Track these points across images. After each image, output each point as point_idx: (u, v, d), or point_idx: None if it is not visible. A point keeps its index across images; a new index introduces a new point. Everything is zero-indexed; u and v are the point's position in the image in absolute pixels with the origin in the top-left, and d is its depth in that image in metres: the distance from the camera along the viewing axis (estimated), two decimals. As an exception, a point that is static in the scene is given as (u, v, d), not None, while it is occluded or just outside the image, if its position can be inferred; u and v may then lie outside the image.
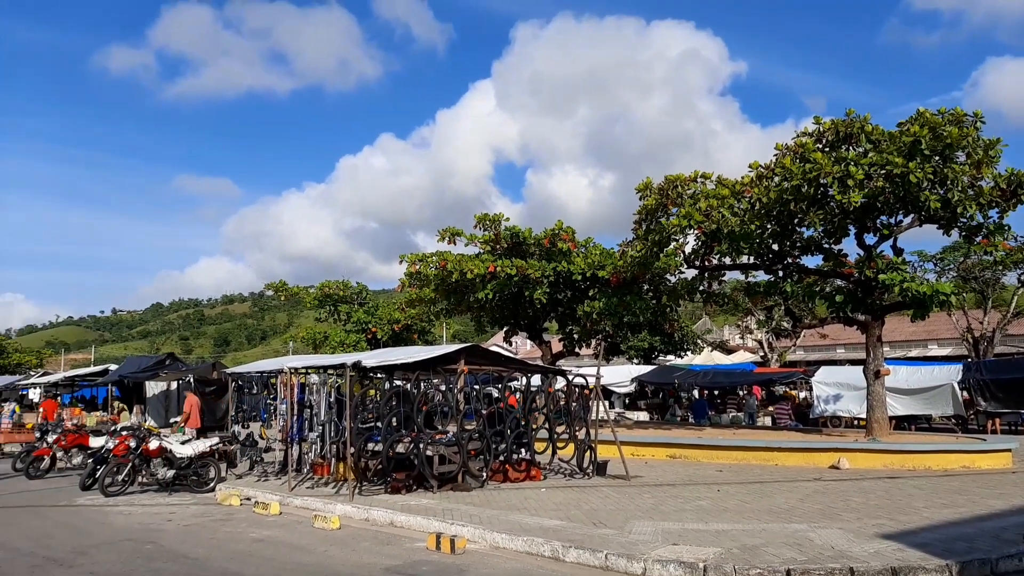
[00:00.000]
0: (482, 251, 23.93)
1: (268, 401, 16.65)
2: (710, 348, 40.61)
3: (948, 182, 14.97)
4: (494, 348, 16.07)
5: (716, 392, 31.68)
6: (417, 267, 23.65)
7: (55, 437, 16.65)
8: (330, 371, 14.31)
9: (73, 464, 16.51)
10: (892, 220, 16.98)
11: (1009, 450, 15.58)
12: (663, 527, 9.16)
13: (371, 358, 13.80)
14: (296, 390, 14.29)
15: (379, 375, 14.86)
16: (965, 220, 15.97)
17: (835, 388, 25.09)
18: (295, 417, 14.11)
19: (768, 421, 26.02)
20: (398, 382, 14.64)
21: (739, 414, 27.14)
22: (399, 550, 8.75)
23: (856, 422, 23.54)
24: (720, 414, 27.48)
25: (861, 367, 18.54)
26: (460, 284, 23.22)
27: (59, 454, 16.39)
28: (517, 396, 15.52)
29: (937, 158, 14.98)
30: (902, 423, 23.77)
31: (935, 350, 44.01)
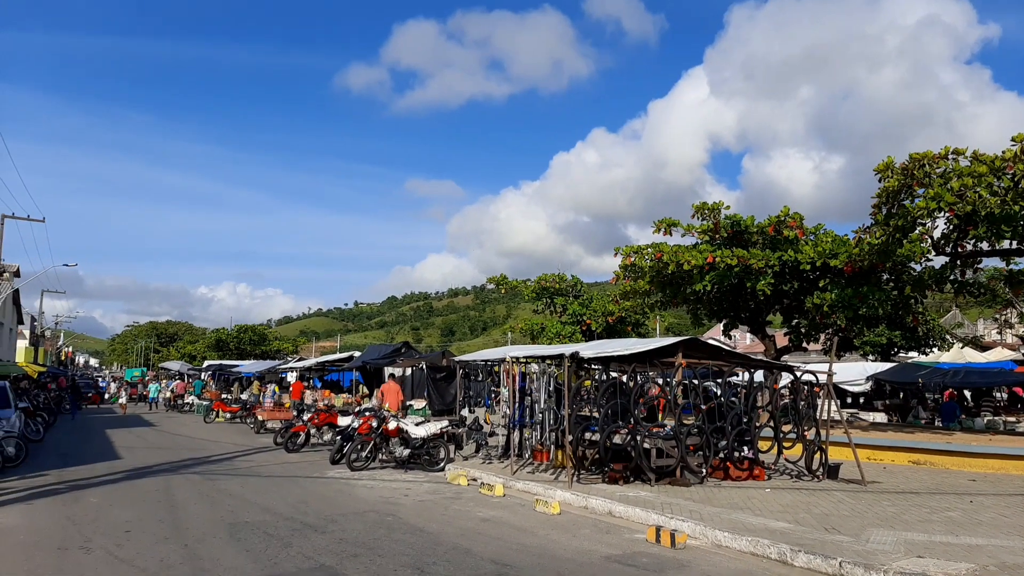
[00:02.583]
0: (700, 241, 23.27)
1: (491, 388, 17.48)
2: (961, 344, 36.39)
3: None
4: (712, 342, 15.59)
5: (968, 393, 28.34)
6: (632, 259, 23.53)
7: (309, 416, 18.73)
8: (549, 361, 14.70)
9: (324, 440, 18.49)
10: None
11: None
12: (905, 537, 8.40)
13: (588, 349, 14.00)
14: (517, 378, 14.85)
15: (595, 366, 15.03)
16: None
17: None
18: (516, 404, 14.69)
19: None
20: (614, 374, 14.72)
21: (996, 418, 24.09)
22: (618, 539, 8.82)
23: None
24: (973, 418, 24.56)
25: None
26: (676, 276, 22.75)
27: (312, 431, 18.40)
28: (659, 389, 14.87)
29: None
30: None
31: None
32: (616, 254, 24.14)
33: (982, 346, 39.12)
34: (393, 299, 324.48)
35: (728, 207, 22.60)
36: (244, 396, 31.78)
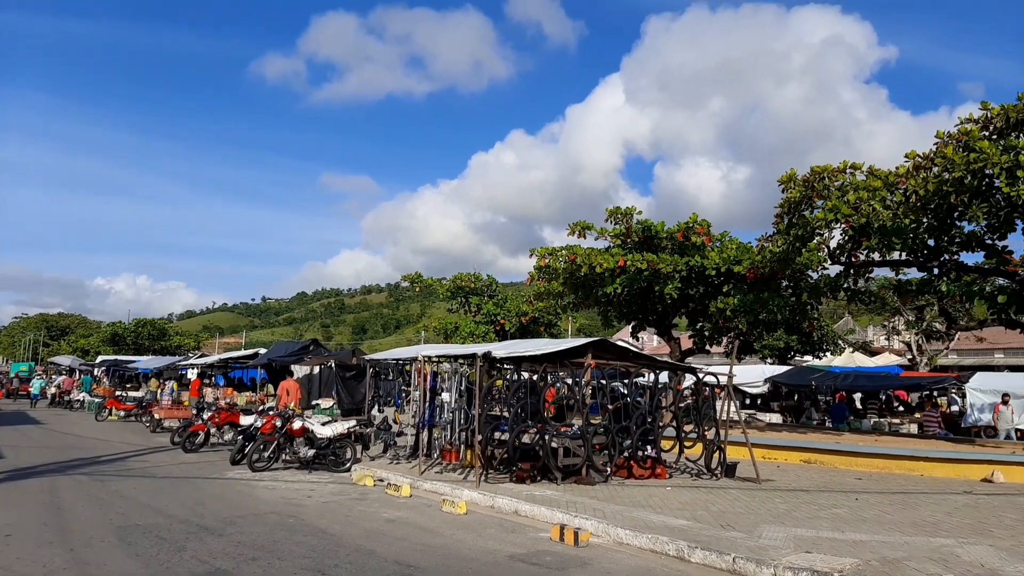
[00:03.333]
0: (612, 245, 23.74)
1: (402, 387, 17.31)
2: (852, 349, 38.42)
3: None
4: (621, 343, 15.92)
5: (858, 396, 29.95)
6: (546, 260, 23.80)
7: (209, 414, 18.07)
8: (461, 360, 14.68)
9: (225, 440, 17.88)
10: (1066, 214, 15.42)
11: None
12: (795, 533, 8.80)
13: (501, 349, 14.05)
14: (429, 378, 14.77)
15: (507, 366, 15.10)
16: None
17: (992, 396, 23.10)
18: (427, 404, 14.60)
19: (914, 429, 24.34)
20: (525, 374, 14.83)
21: (882, 420, 25.57)
22: (523, 538, 8.88)
23: (1016, 433, 21.64)
24: (861, 419, 25.97)
25: (1023, 374, 16.98)
26: (589, 278, 23.15)
27: (212, 430, 17.77)
28: (557, 388, 15.24)
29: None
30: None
31: (1115, 359, 39.61)
32: (531, 255, 24.37)
33: (871, 351, 41.40)
34: (303, 295, 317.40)
35: (640, 212, 23.16)
36: (140, 393, 30.40)
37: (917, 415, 25.71)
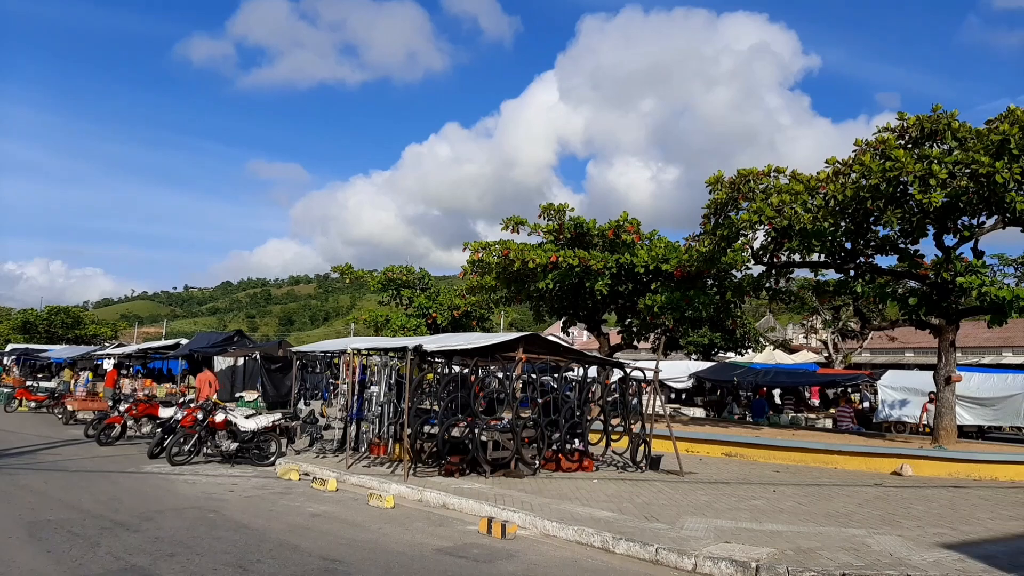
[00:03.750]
0: (545, 241, 23.95)
1: (330, 380, 17.04)
2: (772, 347, 39.73)
3: (1035, 183, 14.29)
4: (552, 338, 16.06)
5: (776, 391, 31.01)
6: (480, 255, 23.83)
7: (126, 406, 17.41)
8: (391, 353, 14.56)
9: (142, 433, 17.26)
10: (974, 221, 16.34)
11: (1087, 466, 14.85)
12: (716, 524, 9.06)
13: (432, 343, 13.99)
14: (358, 371, 14.59)
15: (438, 359, 15.04)
16: (1051, 223, 15.22)
17: (902, 393, 24.28)
18: (355, 397, 14.41)
19: (829, 423, 25.37)
20: (456, 367, 14.81)
21: (799, 415, 26.55)
22: (451, 532, 8.88)
23: (921, 428, 22.78)
24: (779, 414, 26.92)
25: (931, 372, 17.90)
26: (521, 273, 23.29)
27: (129, 423, 17.12)
28: (487, 382, 15.39)
29: (1026, 158, 14.30)
30: (970, 432, 22.88)
31: (1009, 357, 42.09)
32: (465, 249, 24.37)
33: (790, 349, 42.91)
34: (228, 284, 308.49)
35: (573, 209, 23.43)
36: (53, 384, 29.05)
37: (832, 410, 26.78)
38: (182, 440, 13.75)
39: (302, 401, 17.35)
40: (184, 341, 30.15)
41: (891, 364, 38.83)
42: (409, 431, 12.38)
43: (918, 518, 10.01)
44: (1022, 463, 14.83)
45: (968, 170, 14.46)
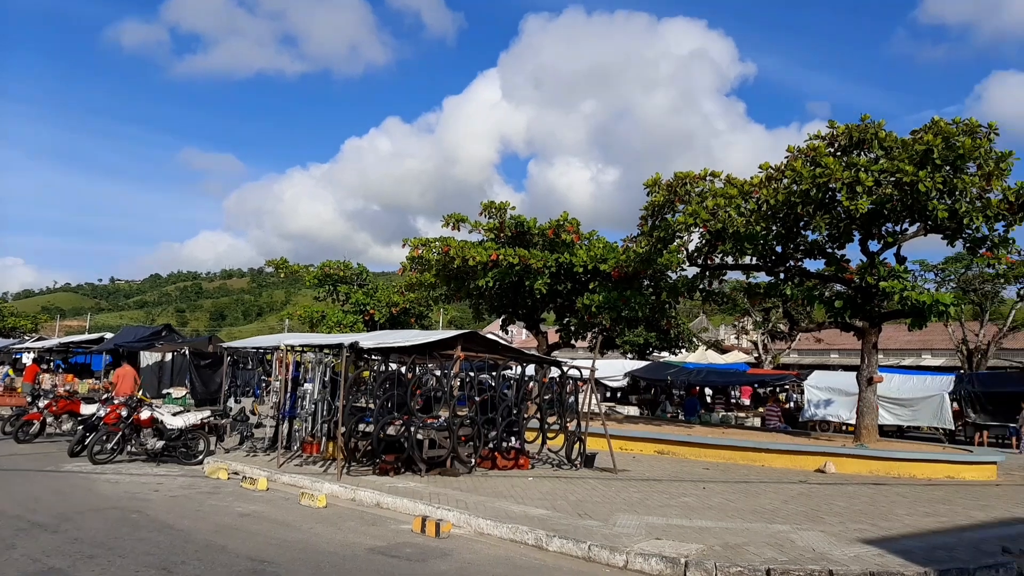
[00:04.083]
0: (485, 238, 23.93)
1: (262, 377, 16.68)
2: (705, 346, 40.62)
3: (957, 193, 14.96)
4: (491, 336, 16.07)
5: (708, 390, 31.73)
6: (419, 251, 23.68)
7: (46, 402, 16.68)
8: (326, 350, 14.33)
9: (63, 430, 16.55)
10: (898, 228, 16.99)
11: (995, 463, 15.65)
12: (647, 521, 9.21)
13: (368, 340, 13.82)
14: (291, 367, 14.31)
15: (375, 357, 14.87)
16: (971, 232, 15.91)
17: (827, 393, 25.15)
18: (288, 394, 14.14)
19: (758, 422, 26.08)
20: (393, 365, 14.67)
21: (729, 414, 27.22)
22: (384, 531, 8.78)
23: (845, 427, 23.61)
24: (710, 412, 27.55)
25: (854, 373, 18.57)
26: (461, 270, 23.23)
27: (49, 419, 16.41)
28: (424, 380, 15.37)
29: (948, 168, 14.94)
30: (890, 431, 23.83)
31: (928, 360, 44.06)
32: (404, 245, 24.17)
33: (722, 349, 43.93)
34: (157, 277, 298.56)
35: (514, 208, 23.47)
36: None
37: (760, 409, 27.55)
38: (105, 438, 13.25)
39: (233, 398, 16.93)
40: (109, 335, 29.12)
41: (817, 365, 40.18)
42: (343, 429, 12.20)
43: (840, 514, 10.37)
44: (938, 461, 15.54)
45: (893, 178, 15.04)
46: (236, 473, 12.50)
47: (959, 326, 34.71)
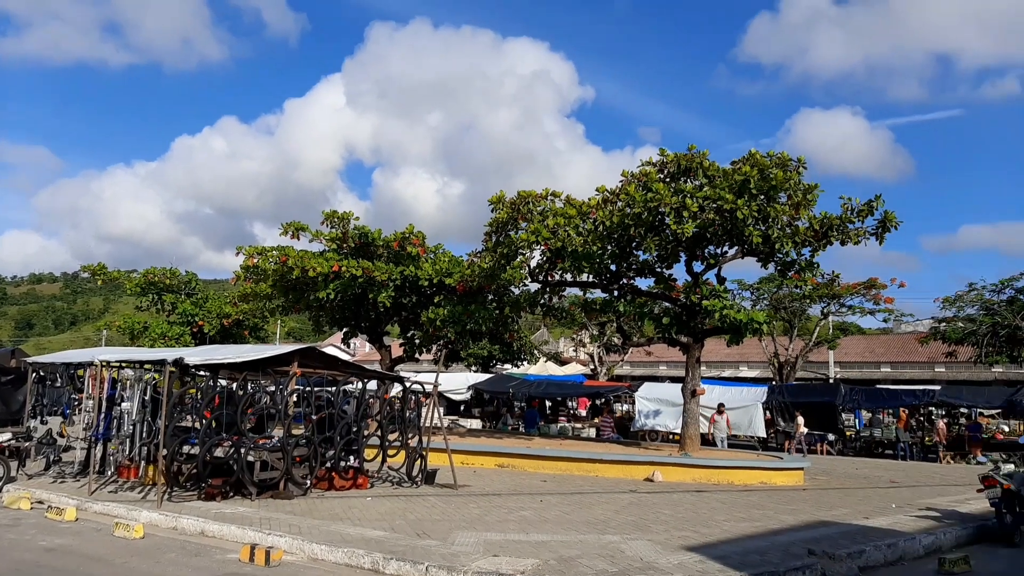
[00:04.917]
0: (327, 249, 23.29)
1: (73, 396, 15.26)
2: (545, 358, 41.77)
3: (770, 220, 16.34)
4: (331, 349, 15.63)
5: (548, 402, 32.60)
6: (255, 260, 22.63)
7: None
8: (147, 366, 13.34)
9: None
10: (718, 251, 18.31)
11: (802, 468, 17.14)
12: (486, 538, 9.27)
13: (195, 355, 13.02)
14: (107, 385, 13.20)
15: (202, 373, 14.02)
16: (781, 256, 17.53)
17: (655, 404, 26.55)
18: (103, 414, 13.03)
19: (593, 432, 27.10)
20: (223, 382, 13.88)
21: (567, 425, 28.09)
22: (208, 562, 8.27)
23: (672, 437, 24.98)
24: (550, 424, 28.30)
25: (680, 385, 19.74)
26: (301, 281, 22.47)
27: None
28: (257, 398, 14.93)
29: (762, 197, 16.28)
30: (712, 440, 25.49)
31: (745, 371, 47.75)
32: (239, 253, 22.99)
33: (561, 361, 45.40)
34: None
35: (358, 218, 23.04)
36: None
37: (596, 420, 28.66)
38: None
39: (38, 419, 15.36)
40: None
41: (648, 376, 42.42)
42: (165, 452, 11.40)
43: (666, 522, 10.96)
44: (753, 468, 16.82)
45: (715, 205, 16.21)
46: (41, 502, 11.37)
47: (771, 341, 37.85)
